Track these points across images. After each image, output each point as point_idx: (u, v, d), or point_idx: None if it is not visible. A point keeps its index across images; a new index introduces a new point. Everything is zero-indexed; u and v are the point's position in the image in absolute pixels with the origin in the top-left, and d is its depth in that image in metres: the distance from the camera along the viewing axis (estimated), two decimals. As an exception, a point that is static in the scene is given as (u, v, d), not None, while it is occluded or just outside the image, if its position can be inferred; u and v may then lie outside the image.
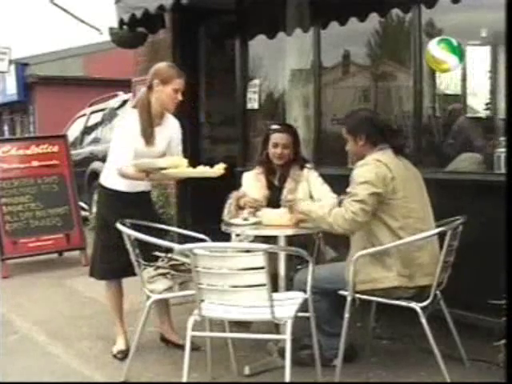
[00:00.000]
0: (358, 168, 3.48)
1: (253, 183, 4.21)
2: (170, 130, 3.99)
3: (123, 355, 3.93)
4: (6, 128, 20.07)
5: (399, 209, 3.39)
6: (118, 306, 4.11)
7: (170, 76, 3.81)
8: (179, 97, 3.84)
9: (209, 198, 4.26)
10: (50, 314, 5.06)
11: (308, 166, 4.24)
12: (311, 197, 4.08)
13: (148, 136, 3.82)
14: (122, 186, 3.89)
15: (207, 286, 3.05)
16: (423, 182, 3.59)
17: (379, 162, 3.42)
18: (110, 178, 3.94)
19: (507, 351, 2.72)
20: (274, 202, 4.03)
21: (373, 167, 3.42)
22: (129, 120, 3.86)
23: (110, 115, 9.82)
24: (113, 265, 3.91)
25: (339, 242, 3.89)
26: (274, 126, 4.29)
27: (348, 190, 3.46)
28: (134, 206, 3.91)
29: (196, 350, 3.64)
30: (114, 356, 3.99)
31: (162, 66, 3.92)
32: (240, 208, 4.03)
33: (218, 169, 3.71)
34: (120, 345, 4.05)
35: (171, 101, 3.82)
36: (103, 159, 8.66)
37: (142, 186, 3.98)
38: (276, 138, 4.18)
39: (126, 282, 4.08)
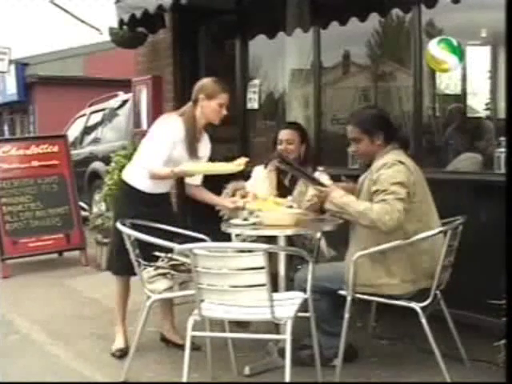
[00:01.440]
0: (384, 169, 3.34)
1: (263, 179, 4.22)
2: (207, 148, 4.11)
3: (122, 353, 3.95)
4: (6, 128, 20.06)
5: (416, 212, 3.35)
6: (122, 303, 4.12)
7: (214, 91, 3.90)
8: (224, 111, 3.94)
9: (209, 198, 4.25)
10: (50, 313, 5.06)
11: (320, 168, 4.24)
12: None
13: (194, 150, 3.94)
14: (145, 186, 3.95)
15: (207, 285, 3.05)
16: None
17: (403, 164, 3.35)
18: (134, 176, 4.00)
19: (507, 351, 2.72)
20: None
21: (401, 168, 3.34)
22: (173, 127, 3.91)
23: (110, 115, 9.83)
24: (126, 261, 3.91)
25: (339, 242, 3.89)
26: (282, 125, 4.37)
27: (378, 187, 3.31)
28: (153, 205, 3.97)
29: (196, 350, 3.65)
30: (113, 354, 4.00)
31: (207, 81, 4.00)
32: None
33: (239, 164, 3.77)
34: (119, 343, 4.06)
35: (216, 115, 3.94)
36: (103, 159, 8.82)
37: (162, 187, 4.04)
38: (280, 135, 4.26)
39: (127, 281, 4.08)
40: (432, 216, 3.47)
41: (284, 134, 4.24)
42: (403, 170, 3.33)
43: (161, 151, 3.84)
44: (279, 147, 4.22)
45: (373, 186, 3.35)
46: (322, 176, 4.17)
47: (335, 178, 4.14)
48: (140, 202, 3.96)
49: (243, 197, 3.97)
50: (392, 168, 3.34)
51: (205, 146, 4.08)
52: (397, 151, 3.48)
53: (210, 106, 3.90)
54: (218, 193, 4.19)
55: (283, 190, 4.16)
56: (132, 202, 3.99)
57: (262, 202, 3.83)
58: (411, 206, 3.32)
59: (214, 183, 4.12)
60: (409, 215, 3.30)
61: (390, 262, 3.36)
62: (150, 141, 3.98)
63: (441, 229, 3.35)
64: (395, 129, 3.60)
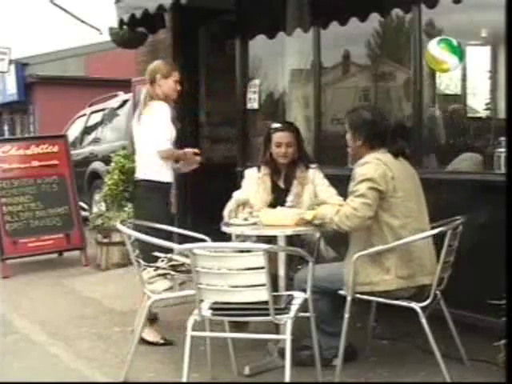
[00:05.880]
0: (358, 167, 3.47)
1: (255, 185, 4.17)
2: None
3: (165, 340, 4.11)
4: (6, 128, 20.05)
5: (399, 207, 3.39)
6: None
7: (169, 70, 4.39)
8: (178, 87, 4.43)
9: (209, 198, 4.27)
10: (50, 313, 5.06)
11: (313, 166, 4.22)
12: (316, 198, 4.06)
13: None
14: (167, 176, 4.21)
15: (207, 285, 3.05)
16: (420, 183, 3.58)
17: (379, 161, 3.43)
18: (151, 171, 4.20)
19: (507, 351, 2.72)
20: (279, 204, 3.99)
21: (373, 165, 3.42)
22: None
23: (110, 115, 9.83)
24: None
25: (339, 242, 3.89)
26: (275, 125, 4.27)
27: (350, 189, 3.46)
28: (169, 198, 4.24)
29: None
30: (155, 344, 4.08)
31: (159, 63, 4.50)
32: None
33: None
34: (156, 334, 4.13)
35: (174, 91, 4.40)
36: (103, 159, 8.82)
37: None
38: (278, 137, 4.15)
39: (127, 281, 4.08)
40: (421, 214, 3.48)
41: (284, 137, 4.13)
42: (375, 166, 3.41)
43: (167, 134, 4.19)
44: (279, 150, 4.16)
45: (351, 183, 3.47)
46: (316, 174, 4.17)
47: (335, 178, 4.16)
48: (166, 197, 4.20)
49: (251, 212, 3.93)
50: (364, 166, 3.45)
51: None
52: (380, 152, 3.50)
53: (167, 83, 4.33)
54: (219, 202, 4.19)
55: (279, 192, 4.14)
56: (156, 197, 4.17)
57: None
58: (392, 200, 3.38)
59: (211, 194, 4.12)
60: (391, 210, 3.38)
61: (384, 259, 3.39)
62: (152, 129, 4.23)
63: (441, 229, 3.35)
64: (384, 137, 3.55)
